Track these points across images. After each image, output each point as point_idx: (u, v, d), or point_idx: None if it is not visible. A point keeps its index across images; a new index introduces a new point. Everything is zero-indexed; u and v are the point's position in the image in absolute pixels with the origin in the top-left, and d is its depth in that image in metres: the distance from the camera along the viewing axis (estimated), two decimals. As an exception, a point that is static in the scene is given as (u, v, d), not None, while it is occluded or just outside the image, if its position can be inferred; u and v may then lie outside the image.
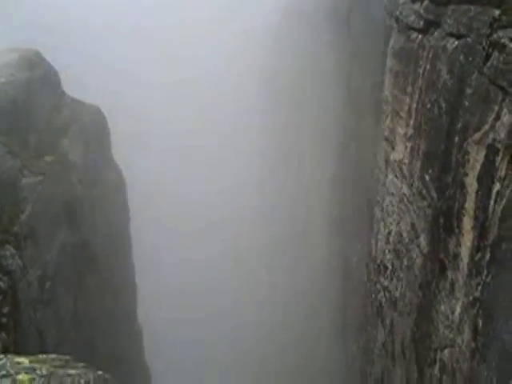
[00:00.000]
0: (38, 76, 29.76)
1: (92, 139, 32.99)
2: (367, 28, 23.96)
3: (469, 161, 10.69)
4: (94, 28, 70.90)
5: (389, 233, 16.88)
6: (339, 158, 32.35)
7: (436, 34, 12.93)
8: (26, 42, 32.60)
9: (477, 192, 10.37)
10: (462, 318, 11.00)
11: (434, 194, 12.58)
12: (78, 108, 32.98)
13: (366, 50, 24.25)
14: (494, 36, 9.83)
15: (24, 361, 7.92)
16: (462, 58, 11.25)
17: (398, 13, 16.07)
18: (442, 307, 12.05)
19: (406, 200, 14.96)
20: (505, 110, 9.41)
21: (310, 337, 40.61)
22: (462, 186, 10.95)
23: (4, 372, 7.56)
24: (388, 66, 17.39)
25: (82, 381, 7.39)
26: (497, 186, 9.62)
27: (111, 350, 32.00)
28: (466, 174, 10.77)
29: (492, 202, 9.78)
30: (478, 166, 10.29)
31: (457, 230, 11.25)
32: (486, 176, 9.99)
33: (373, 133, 20.90)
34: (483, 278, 10.06)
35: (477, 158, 10.36)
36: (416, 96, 14.21)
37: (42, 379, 7.27)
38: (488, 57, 10.02)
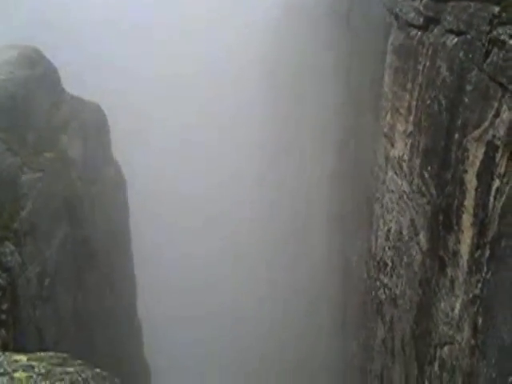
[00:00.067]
0: (38, 73, 29.72)
1: (91, 136, 32.98)
2: (367, 24, 23.90)
3: (468, 158, 10.68)
4: (93, 25, 70.86)
5: (388, 230, 16.88)
6: (339, 155, 32.32)
7: (436, 30, 12.90)
8: (26, 40, 32.58)
9: (476, 189, 10.37)
10: (461, 315, 11.00)
11: (434, 191, 12.57)
12: (77, 105, 32.97)
13: (365, 47, 24.20)
14: (494, 33, 9.81)
15: (22, 358, 7.91)
16: (461, 54, 11.23)
17: (397, 9, 16.05)
18: (442, 304, 12.05)
19: (405, 197, 14.95)
20: (504, 107, 9.40)
21: (310, 334, 40.62)
22: (462, 183, 10.94)
23: (1, 370, 7.55)
24: (387, 62, 17.37)
25: (80, 378, 7.39)
26: (496, 183, 9.62)
27: (111, 347, 32.04)
28: (466, 171, 10.76)
29: (492, 199, 9.77)
30: (478, 163, 10.29)
31: (456, 227, 11.25)
32: (486, 173, 9.98)
33: (372, 129, 20.87)
34: (483, 275, 10.05)
35: (476, 154, 10.35)
36: (416, 93, 14.20)
37: (40, 377, 7.26)
38: (488, 53, 10.01)
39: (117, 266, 35.50)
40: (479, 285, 10.16)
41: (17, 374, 7.27)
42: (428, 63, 13.27)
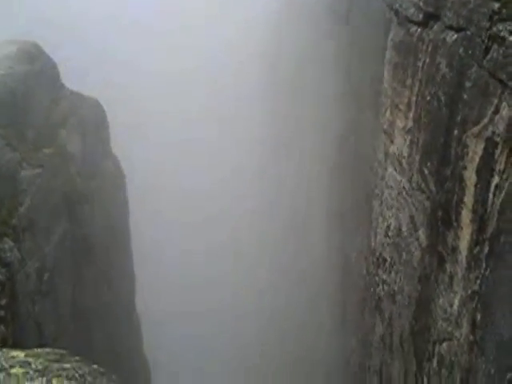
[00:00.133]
0: (37, 69, 29.67)
1: (90, 132, 32.95)
2: (367, 20, 23.85)
3: (468, 154, 10.67)
4: (94, 20, 70.87)
5: (388, 226, 16.86)
6: (339, 150, 32.28)
7: (435, 27, 12.87)
8: (27, 35, 32.54)
9: (476, 185, 10.36)
10: (460, 311, 11.00)
11: (433, 188, 12.55)
12: (76, 101, 32.92)
13: (365, 43, 24.14)
14: (494, 29, 9.79)
15: (19, 354, 7.91)
16: (461, 51, 11.20)
17: (397, 5, 15.99)
18: (441, 301, 12.05)
19: (404, 193, 14.93)
20: (504, 104, 9.38)
21: (310, 330, 40.65)
22: (461, 180, 10.93)
23: (-2, 366, 7.57)
24: (387, 58, 17.33)
25: (77, 375, 7.38)
26: (496, 179, 9.61)
27: (110, 343, 32.09)
28: (465, 168, 10.75)
29: (491, 196, 9.76)
30: (477, 159, 10.27)
31: (455, 224, 11.24)
32: (485, 169, 9.97)
33: (372, 126, 20.85)
34: (482, 271, 10.05)
35: (476, 151, 10.34)
36: (415, 89, 14.16)
37: (37, 373, 7.26)
38: (487, 50, 9.98)
39: (115, 262, 35.52)
40: (478, 281, 10.16)
41: (14, 370, 7.27)
42: (428, 59, 13.24)
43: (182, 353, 61.19)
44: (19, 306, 21.29)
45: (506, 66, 9.31)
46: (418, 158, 13.81)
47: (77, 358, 8.19)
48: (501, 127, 9.42)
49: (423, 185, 13.28)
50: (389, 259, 16.82)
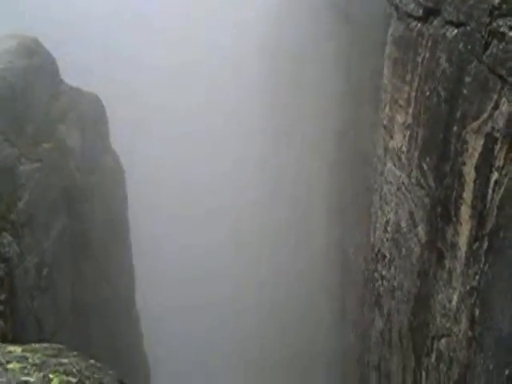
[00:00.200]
0: (37, 64, 29.63)
1: (90, 127, 32.94)
2: (367, 15, 23.83)
3: (467, 150, 10.64)
4: (97, 16, 70.89)
5: (387, 222, 16.85)
6: (338, 145, 32.29)
7: (435, 22, 12.83)
8: (29, 31, 32.51)
9: (475, 181, 10.33)
10: (459, 307, 11.00)
11: (432, 183, 12.53)
12: (76, 96, 32.90)
13: (365, 38, 24.13)
14: (494, 24, 9.75)
15: (16, 350, 7.91)
16: (461, 46, 11.16)
17: (397, 0, 15.95)
18: (440, 296, 12.05)
19: (404, 189, 14.92)
20: (503, 99, 9.35)
21: (309, 324, 40.74)
22: (460, 175, 10.90)
23: (-5, 361, 7.57)
24: (387, 53, 17.29)
25: (75, 370, 7.38)
26: (495, 175, 9.58)
27: (109, 338, 32.11)
28: (464, 163, 10.73)
29: (490, 191, 9.74)
30: (477, 155, 10.25)
31: (455, 219, 11.23)
32: (485, 165, 9.94)
33: (371, 121, 20.84)
34: (481, 267, 10.04)
35: (475, 146, 10.31)
36: (415, 84, 14.13)
37: (34, 368, 7.27)
38: (487, 45, 9.94)
39: (115, 257, 35.52)
40: (477, 277, 10.15)
41: (10, 365, 7.27)
42: (427, 54, 13.20)
43: (181, 347, 61.29)
44: (18, 301, 21.29)
45: (505, 62, 9.28)
46: (417, 153, 13.79)
47: (74, 352, 8.19)
48: (500, 123, 9.39)
49: (422, 180, 13.26)
50: (388, 255, 16.82)
